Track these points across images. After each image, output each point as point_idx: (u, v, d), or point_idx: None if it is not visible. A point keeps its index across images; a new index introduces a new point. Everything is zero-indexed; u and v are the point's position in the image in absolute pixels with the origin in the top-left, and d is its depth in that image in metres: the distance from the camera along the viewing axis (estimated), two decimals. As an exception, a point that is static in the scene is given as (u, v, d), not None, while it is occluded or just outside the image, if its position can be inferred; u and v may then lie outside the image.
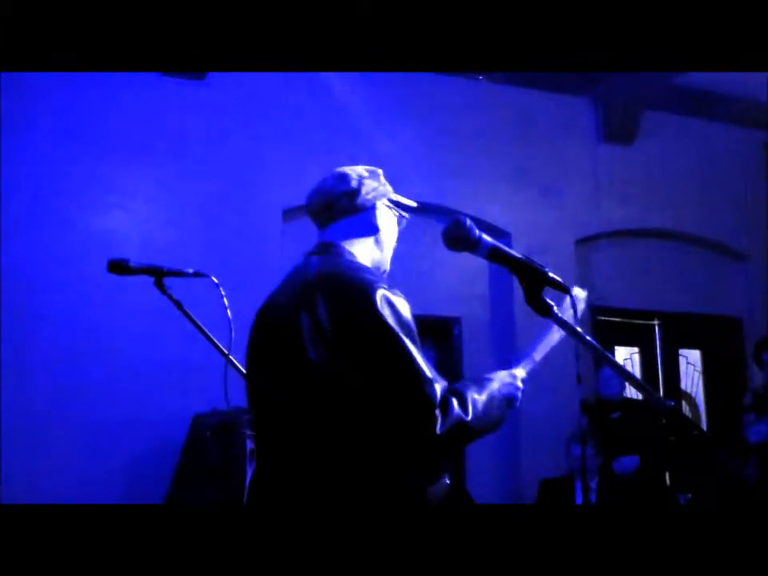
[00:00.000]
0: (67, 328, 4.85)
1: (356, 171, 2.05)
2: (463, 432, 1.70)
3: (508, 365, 2.01)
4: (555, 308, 1.65)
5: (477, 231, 1.66)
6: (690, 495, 5.46)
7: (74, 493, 4.36)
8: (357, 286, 1.77)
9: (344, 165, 2.08)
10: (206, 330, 2.61)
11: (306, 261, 1.96)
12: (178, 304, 2.59)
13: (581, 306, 2.03)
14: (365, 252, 1.99)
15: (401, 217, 2.12)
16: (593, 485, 4.98)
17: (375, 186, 2.04)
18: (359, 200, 2.01)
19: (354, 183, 2.01)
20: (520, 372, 2.01)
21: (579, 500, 4.96)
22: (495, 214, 5.98)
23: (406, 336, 1.71)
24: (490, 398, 1.80)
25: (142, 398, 4.85)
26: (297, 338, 1.76)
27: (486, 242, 1.67)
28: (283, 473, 1.78)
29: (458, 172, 5.90)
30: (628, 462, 5.20)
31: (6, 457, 4.46)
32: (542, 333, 2.08)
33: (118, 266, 2.59)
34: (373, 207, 2.02)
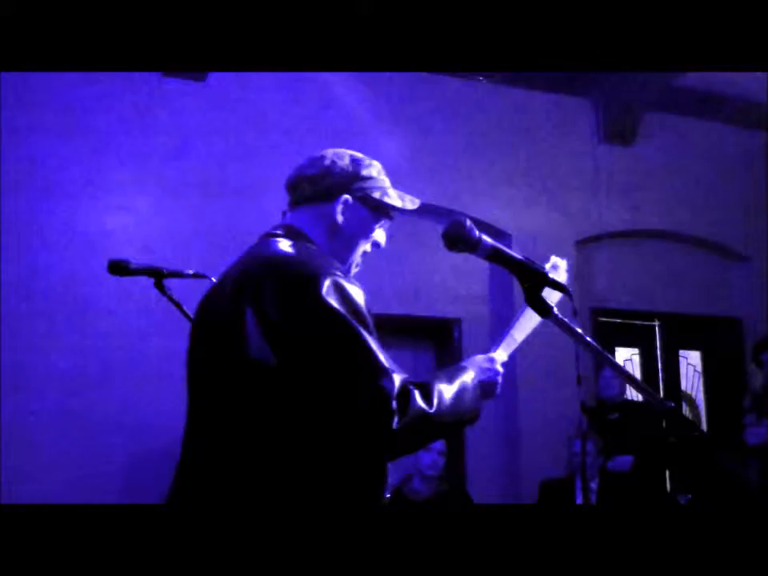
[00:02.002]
0: (67, 328, 4.85)
1: (333, 157, 1.89)
2: (426, 426, 1.57)
3: (507, 365, 1.99)
4: (555, 309, 1.65)
5: (477, 232, 1.66)
6: (689, 496, 5.46)
7: (74, 493, 4.36)
8: (305, 273, 1.63)
9: (320, 152, 1.99)
10: (205, 331, 2.61)
11: (262, 242, 1.85)
12: (178, 305, 2.58)
13: (563, 277, 1.92)
14: (325, 244, 1.84)
15: (380, 217, 1.92)
16: (593, 485, 4.98)
17: (347, 177, 1.87)
18: (322, 189, 1.86)
19: (319, 169, 1.87)
20: (500, 355, 1.91)
21: (579, 501, 4.96)
22: (495, 215, 5.98)
23: (359, 324, 1.58)
24: (462, 389, 1.66)
25: (142, 399, 4.85)
26: (239, 328, 1.62)
27: (486, 243, 1.67)
28: (218, 474, 1.63)
29: (458, 173, 5.90)
30: (622, 461, 5.20)
31: (6, 457, 4.46)
32: (519, 312, 1.96)
33: (118, 267, 2.59)
34: (337, 200, 1.85)
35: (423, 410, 1.55)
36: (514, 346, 1.96)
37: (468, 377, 1.72)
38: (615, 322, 6.49)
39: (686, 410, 6.75)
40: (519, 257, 1.66)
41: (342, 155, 1.91)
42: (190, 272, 2.68)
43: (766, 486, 4.80)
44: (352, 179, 1.87)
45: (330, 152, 1.91)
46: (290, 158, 5.94)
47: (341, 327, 1.58)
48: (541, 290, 1.63)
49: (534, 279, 1.64)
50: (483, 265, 5.49)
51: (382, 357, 1.57)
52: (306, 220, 1.87)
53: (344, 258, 1.86)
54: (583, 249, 6.32)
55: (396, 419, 1.51)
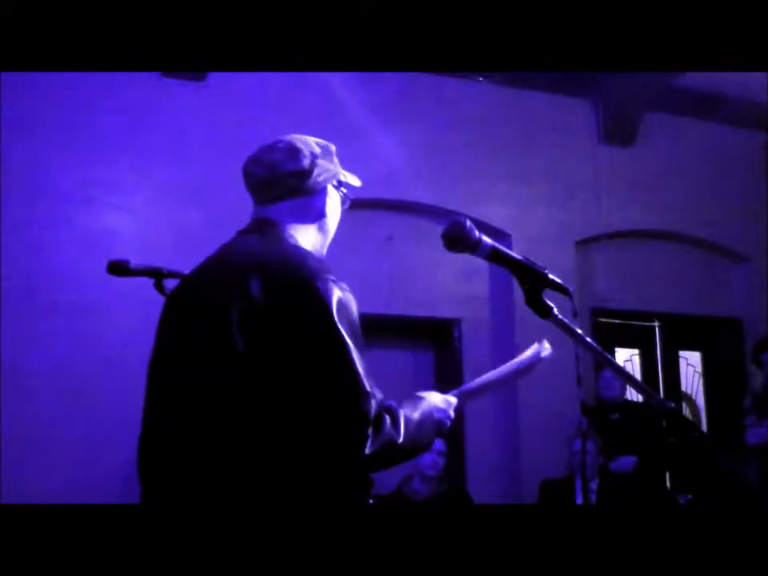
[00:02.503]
0: (67, 329, 4.85)
1: (309, 147, 1.88)
2: (392, 453, 1.60)
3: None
4: (555, 309, 1.65)
5: (477, 232, 1.66)
6: (689, 496, 5.46)
7: (74, 493, 4.36)
8: (302, 274, 1.63)
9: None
10: (205, 331, 2.61)
11: (240, 238, 1.83)
12: (178, 305, 2.58)
13: (535, 363, 1.98)
14: (307, 236, 1.85)
15: (345, 197, 1.96)
16: (593, 486, 4.98)
17: (327, 166, 1.89)
18: (310, 182, 1.86)
19: (306, 163, 1.85)
20: (454, 400, 1.89)
21: (579, 501, 4.96)
22: (495, 215, 5.98)
23: (350, 338, 1.59)
24: (422, 420, 1.68)
25: (141, 400, 4.83)
26: (223, 326, 1.61)
27: (486, 244, 1.66)
28: (186, 479, 1.62)
29: (458, 173, 5.90)
30: (625, 462, 5.21)
31: (6, 457, 4.46)
32: (499, 370, 1.99)
33: (118, 268, 2.59)
34: (323, 191, 1.88)
35: (392, 438, 1.58)
36: (468, 399, 1.96)
37: (428, 409, 1.74)
38: (615, 322, 6.49)
39: (686, 411, 6.75)
40: (519, 257, 1.66)
41: (310, 144, 1.90)
42: (190, 272, 2.68)
43: (766, 485, 4.80)
44: (329, 167, 1.90)
45: (298, 142, 1.89)
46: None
47: (338, 346, 1.58)
48: (541, 290, 1.63)
49: (533, 280, 1.64)
50: (483, 265, 5.50)
51: (365, 378, 1.57)
52: (288, 212, 1.86)
53: (323, 248, 1.89)
54: (583, 249, 6.32)
55: (369, 444, 1.54)
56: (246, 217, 5.64)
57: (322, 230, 1.89)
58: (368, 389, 1.56)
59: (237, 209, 5.58)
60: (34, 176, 4.95)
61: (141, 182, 5.20)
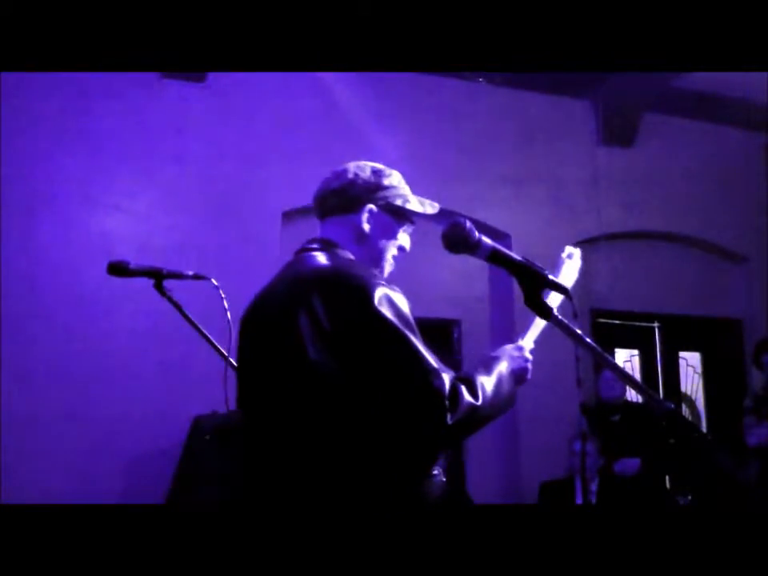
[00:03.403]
0: (67, 329, 4.85)
1: (357, 169, 2.00)
2: (476, 417, 1.69)
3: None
4: (555, 310, 1.65)
5: (476, 233, 1.66)
6: (689, 497, 5.46)
7: (74, 493, 4.36)
8: (353, 283, 1.74)
9: (343, 166, 2.04)
10: (205, 333, 2.61)
11: (301, 256, 1.92)
12: (177, 306, 2.59)
13: (577, 265, 2.12)
14: (355, 253, 1.94)
15: (403, 223, 2.04)
16: (593, 487, 4.98)
17: (369, 187, 1.98)
18: (347, 200, 1.97)
19: (343, 182, 1.98)
20: (527, 343, 2.02)
21: (579, 502, 4.96)
22: (495, 216, 5.99)
23: (408, 330, 1.70)
24: (499, 379, 1.79)
25: (142, 400, 4.85)
26: (295, 337, 1.72)
27: (486, 244, 1.67)
28: (287, 475, 1.74)
29: (458, 174, 5.90)
30: (630, 464, 5.20)
31: (6, 457, 4.46)
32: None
33: (118, 268, 2.59)
34: (362, 210, 1.96)
35: (472, 403, 1.67)
36: (538, 332, 2.06)
37: (503, 366, 1.85)
38: (615, 323, 6.49)
39: (685, 412, 6.75)
40: (519, 258, 1.67)
41: (364, 167, 2.02)
42: (190, 273, 2.69)
43: (766, 486, 4.80)
44: (374, 189, 1.98)
45: (352, 165, 2.02)
46: (289, 157, 5.97)
47: (392, 334, 1.68)
48: (540, 291, 1.64)
49: (533, 280, 1.64)
50: (483, 266, 5.50)
51: (430, 358, 1.67)
52: (336, 230, 1.97)
53: (375, 264, 1.99)
54: (583, 250, 6.27)
55: (449, 415, 1.62)
56: (246, 217, 5.63)
57: (367, 248, 1.97)
58: (435, 366, 1.66)
59: (236, 209, 5.64)
60: (34, 176, 4.96)
61: (141, 183, 5.20)
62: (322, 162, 5.58)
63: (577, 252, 2.12)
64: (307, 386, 1.71)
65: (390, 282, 1.84)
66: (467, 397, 1.66)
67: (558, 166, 6.28)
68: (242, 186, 5.37)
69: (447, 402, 1.63)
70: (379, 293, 1.71)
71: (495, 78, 6.02)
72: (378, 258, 1.99)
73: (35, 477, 4.52)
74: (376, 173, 2.01)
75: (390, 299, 1.72)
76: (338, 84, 5.49)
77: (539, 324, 2.04)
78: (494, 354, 1.90)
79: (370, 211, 1.97)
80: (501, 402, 1.78)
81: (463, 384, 1.68)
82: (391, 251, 2.02)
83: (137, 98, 5.23)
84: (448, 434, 1.66)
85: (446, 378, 1.65)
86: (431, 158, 5.84)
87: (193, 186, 5.26)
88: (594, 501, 4.89)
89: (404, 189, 2.04)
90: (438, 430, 1.64)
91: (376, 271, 1.90)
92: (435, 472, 1.79)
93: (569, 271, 2.07)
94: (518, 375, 1.91)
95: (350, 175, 1.98)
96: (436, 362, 1.68)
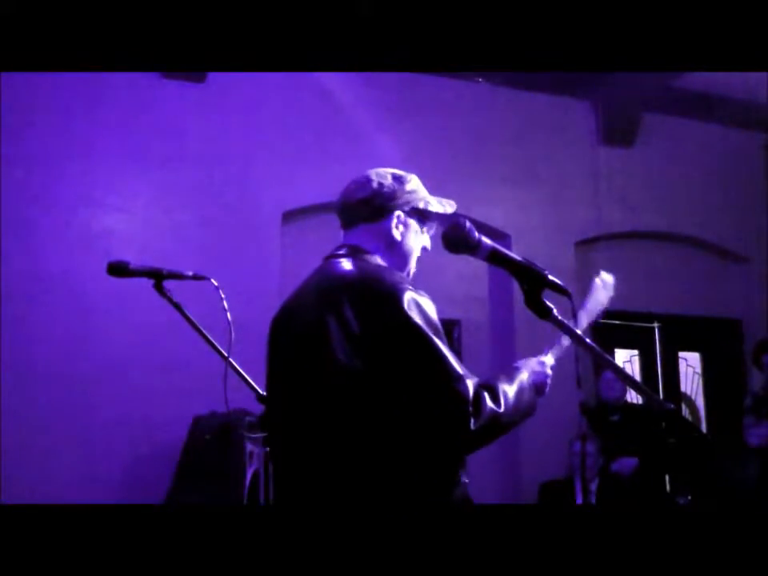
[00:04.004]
0: (67, 329, 4.85)
1: (379, 178, 2.04)
2: (498, 424, 1.72)
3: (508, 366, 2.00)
4: (555, 310, 1.65)
5: (476, 233, 1.66)
6: (689, 497, 5.46)
7: (74, 493, 4.36)
8: (383, 289, 1.78)
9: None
10: (205, 333, 2.61)
11: (330, 263, 1.95)
12: (177, 306, 2.58)
13: (610, 293, 2.17)
14: (385, 258, 1.99)
15: (425, 224, 2.09)
16: (593, 487, 4.98)
17: (395, 194, 2.02)
18: (375, 209, 2.00)
19: (370, 191, 2.01)
20: (549, 359, 2.04)
21: (579, 502, 4.96)
22: (495, 217, 5.98)
23: (435, 335, 1.72)
24: (520, 389, 1.82)
25: (142, 400, 4.85)
26: (324, 341, 1.76)
27: (486, 245, 1.67)
28: (315, 477, 1.78)
29: (458, 173, 5.89)
30: (627, 464, 5.20)
31: (6, 457, 4.46)
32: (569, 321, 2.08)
33: (118, 269, 2.59)
34: (390, 217, 2.01)
35: (495, 410, 1.71)
36: (560, 351, 2.09)
37: (524, 377, 1.88)
38: (614, 323, 6.49)
39: (685, 412, 6.75)
40: (519, 258, 1.67)
41: (384, 174, 2.05)
42: (190, 273, 2.68)
43: (765, 486, 4.80)
44: (399, 195, 2.03)
45: (372, 173, 2.06)
46: (289, 157, 5.97)
47: (420, 339, 1.71)
48: (540, 291, 1.63)
49: (533, 281, 1.64)
50: (483, 266, 5.50)
51: (456, 364, 1.71)
52: (365, 238, 2.00)
53: (403, 268, 2.03)
54: (583, 250, 6.32)
55: (473, 421, 1.66)
56: (246, 217, 5.63)
57: (397, 253, 2.01)
58: (460, 372, 1.69)
59: (236, 209, 5.63)
60: (33, 176, 4.96)
61: (140, 183, 5.20)
62: (321, 162, 5.63)
63: (610, 279, 2.16)
64: (336, 389, 1.74)
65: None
66: (490, 403, 1.70)
67: (558, 166, 6.28)
68: (242, 186, 5.37)
69: (471, 408, 1.66)
70: (408, 297, 1.75)
71: (495, 77, 6.01)
72: (406, 262, 2.04)
73: (35, 477, 4.52)
74: (397, 179, 2.05)
75: (419, 304, 1.76)
76: (338, 84, 5.49)
77: (564, 343, 2.08)
78: (516, 365, 1.94)
79: (398, 217, 2.01)
80: (521, 411, 1.82)
81: (486, 391, 1.71)
82: (417, 253, 2.08)
83: (137, 98, 5.23)
84: (470, 439, 1.69)
85: (471, 384, 1.68)
86: (431, 158, 5.83)
87: (193, 185, 5.26)
88: (594, 501, 4.89)
89: (423, 191, 2.09)
90: (461, 435, 1.68)
91: (403, 275, 1.95)
92: (464, 480, 1.83)
93: (599, 296, 2.11)
94: (539, 387, 1.95)
95: (374, 184, 2.02)
96: (462, 368, 1.71)
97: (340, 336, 1.74)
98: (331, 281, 1.86)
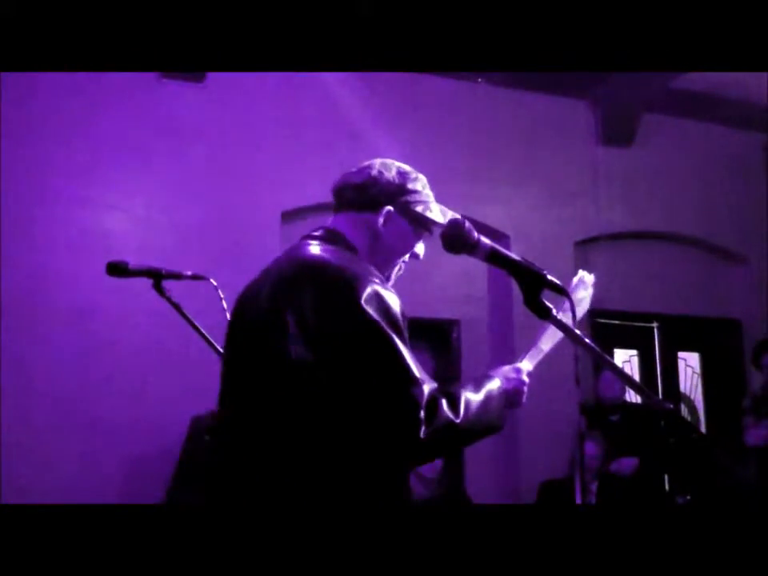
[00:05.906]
0: (66, 329, 4.85)
1: (380, 167, 1.91)
2: (453, 435, 1.59)
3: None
4: (554, 310, 1.64)
5: (475, 233, 1.66)
6: (688, 497, 5.46)
7: (74, 493, 4.36)
8: (344, 278, 1.65)
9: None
10: (204, 332, 2.61)
11: (300, 244, 1.84)
12: (176, 306, 2.59)
13: (590, 292, 1.97)
14: (364, 253, 1.85)
15: (421, 231, 1.94)
16: (593, 488, 4.98)
17: (392, 188, 1.89)
18: (366, 198, 1.88)
19: (366, 178, 1.89)
20: (525, 365, 1.90)
21: (579, 502, 4.96)
22: (494, 216, 5.98)
23: (394, 333, 1.60)
24: (487, 398, 1.68)
25: (140, 400, 4.85)
26: (277, 330, 1.65)
27: (485, 244, 1.66)
28: (254, 474, 1.66)
29: (457, 174, 5.89)
30: (626, 464, 5.21)
31: (7, 457, 4.47)
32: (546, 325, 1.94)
33: (117, 268, 2.59)
34: (380, 210, 1.87)
35: (450, 419, 1.57)
36: (539, 357, 1.95)
37: (494, 385, 1.74)
38: (614, 323, 6.49)
39: (684, 412, 6.75)
40: (518, 258, 1.66)
41: (390, 166, 1.93)
42: (189, 273, 2.69)
43: (765, 486, 4.80)
44: (397, 191, 1.90)
45: (378, 162, 1.94)
46: (289, 157, 5.97)
47: (376, 335, 1.59)
48: (539, 291, 1.63)
49: (532, 281, 1.64)
50: (482, 266, 5.50)
51: (413, 366, 1.59)
52: (348, 225, 1.88)
53: (382, 267, 1.86)
54: (582, 250, 6.32)
55: (423, 429, 1.53)
56: (245, 217, 5.63)
57: (380, 248, 1.88)
58: (416, 375, 1.57)
59: (236, 209, 5.63)
60: (33, 176, 4.96)
61: (140, 183, 5.20)
62: (322, 162, 5.63)
63: (590, 278, 1.99)
64: (283, 383, 1.63)
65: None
66: (446, 412, 1.57)
67: (558, 166, 6.28)
68: (242, 186, 5.37)
69: (422, 414, 1.54)
70: (368, 290, 1.63)
71: (495, 77, 6.01)
72: (386, 261, 1.90)
73: (35, 477, 4.52)
74: (401, 174, 1.92)
75: (380, 298, 1.64)
76: (338, 84, 5.49)
77: (542, 347, 1.95)
78: (488, 373, 1.79)
79: (388, 213, 1.88)
80: (485, 423, 1.68)
81: (444, 398, 1.59)
82: (402, 258, 1.93)
83: (136, 98, 5.23)
84: (419, 448, 1.56)
85: (426, 388, 1.57)
86: (431, 158, 5.81)
87: (192, 186, 5.26)
88: (593, 501, 4.89)
89: (427, 195, 1.94)
90: (408, 442, 1.55)
91: (378, 271, 1.78)
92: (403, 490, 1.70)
93: (578, 295, 1.97)
94: (511, 397, 1.80)
95: (374, 172, 1.90)
96: (419, 371, 1.59)
97: (294, 326, 1.62)
98: (294, 266, 1.73)
